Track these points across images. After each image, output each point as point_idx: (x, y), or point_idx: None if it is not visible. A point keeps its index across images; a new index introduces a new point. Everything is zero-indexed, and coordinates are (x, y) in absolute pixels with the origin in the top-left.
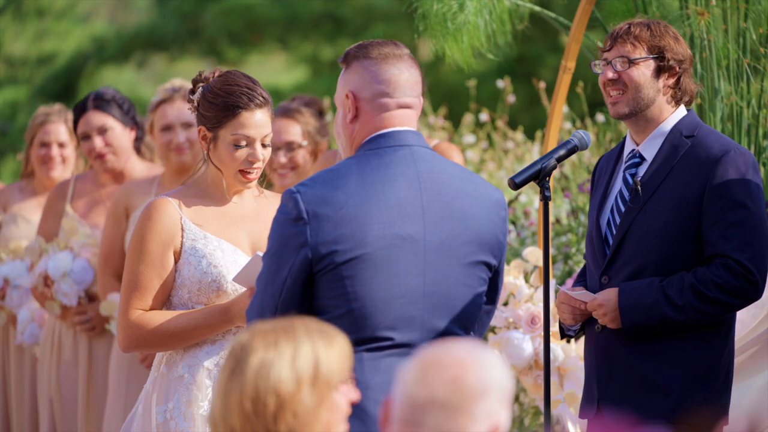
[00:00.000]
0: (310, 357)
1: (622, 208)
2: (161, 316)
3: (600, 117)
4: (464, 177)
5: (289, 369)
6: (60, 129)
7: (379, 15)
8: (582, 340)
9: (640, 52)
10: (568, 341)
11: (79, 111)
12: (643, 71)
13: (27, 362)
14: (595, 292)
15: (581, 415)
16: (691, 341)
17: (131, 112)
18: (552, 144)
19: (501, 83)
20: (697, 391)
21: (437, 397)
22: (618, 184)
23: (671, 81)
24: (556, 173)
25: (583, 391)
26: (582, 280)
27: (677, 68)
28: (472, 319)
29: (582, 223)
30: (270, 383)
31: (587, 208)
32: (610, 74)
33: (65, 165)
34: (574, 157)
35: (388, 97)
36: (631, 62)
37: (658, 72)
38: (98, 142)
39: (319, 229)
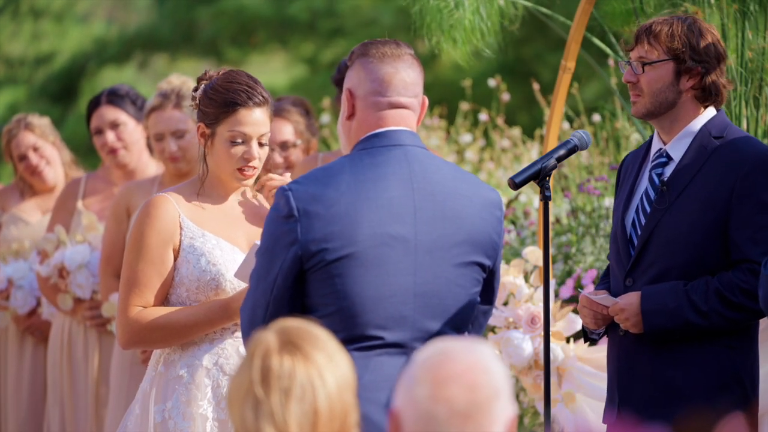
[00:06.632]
0: None
1: (648, 209)
2: (160, 312)
3: (596, 117)
4: (459, 177)
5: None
6: (26, 136)
7: (371, 20)
8: (580, 342)
9: (657, 54)
10: (591, 344)
11: (93, 106)
12: (660, 74)
13: (28, 360)
14: (618, 295)
15: (603, 420)
16: (714, 347)
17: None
18: (552, 144)
19: (492, 82)
20: (720, 397)
21: (459, 409)
22: (644, 184)
23: (694, 82)
24: (556, 173)
25: (606, 396)
26: (606, 282)
27: (699, 68)
28: (464, 319)
29: (582, 222)
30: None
31: (587, 208)
32: (629, 77)
33: (51, 164)
34: (573, 156)
35: (380, 96)
36: (647, 65)
37: (678, 74)
38: (110, 136)
39: (310, 227)
